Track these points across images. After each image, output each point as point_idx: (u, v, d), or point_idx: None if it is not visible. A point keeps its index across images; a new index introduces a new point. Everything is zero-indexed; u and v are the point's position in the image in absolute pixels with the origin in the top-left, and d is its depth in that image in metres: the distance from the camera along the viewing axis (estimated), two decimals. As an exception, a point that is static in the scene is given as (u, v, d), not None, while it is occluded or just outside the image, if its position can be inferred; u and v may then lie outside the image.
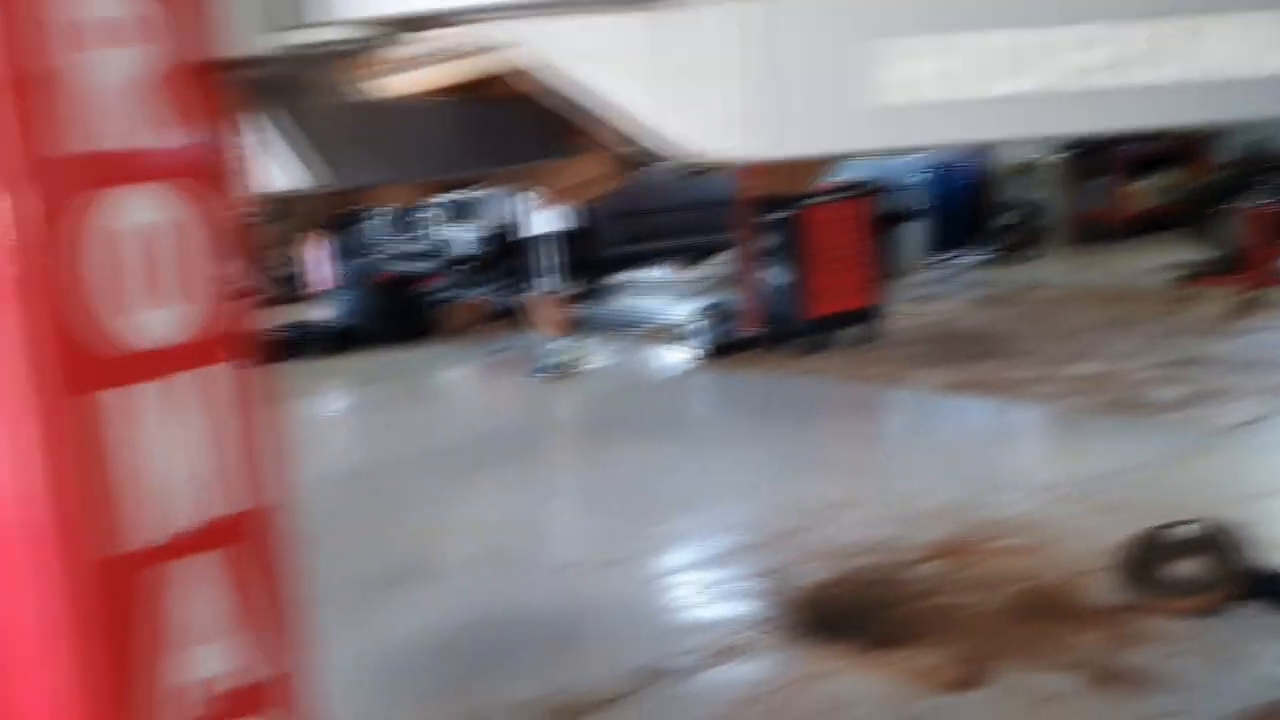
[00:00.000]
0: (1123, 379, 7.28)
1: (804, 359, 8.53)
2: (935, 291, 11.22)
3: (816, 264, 8.52)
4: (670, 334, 9.51)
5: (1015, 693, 3.51)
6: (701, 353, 8.86)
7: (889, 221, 10.00)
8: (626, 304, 10.35)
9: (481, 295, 9.45)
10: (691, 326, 8.99)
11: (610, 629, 4.25)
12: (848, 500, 5.33)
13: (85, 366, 1.05)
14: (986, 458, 6.13)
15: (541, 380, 8.65)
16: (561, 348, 8.89)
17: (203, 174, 1.13)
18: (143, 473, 1.09)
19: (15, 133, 1.01)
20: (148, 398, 1.09)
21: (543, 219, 8.65)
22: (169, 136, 1.11)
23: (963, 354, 8.29)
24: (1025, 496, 5.19)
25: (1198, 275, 10.32)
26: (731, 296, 9.37)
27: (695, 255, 10.24)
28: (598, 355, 9.35)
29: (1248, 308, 8.95)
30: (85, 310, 1.04)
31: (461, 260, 9.00)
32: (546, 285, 8.86)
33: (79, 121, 1.06)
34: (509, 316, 9.59)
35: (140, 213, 1.07)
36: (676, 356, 9.15)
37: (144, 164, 1.08)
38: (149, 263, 1.10)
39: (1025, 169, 13.30)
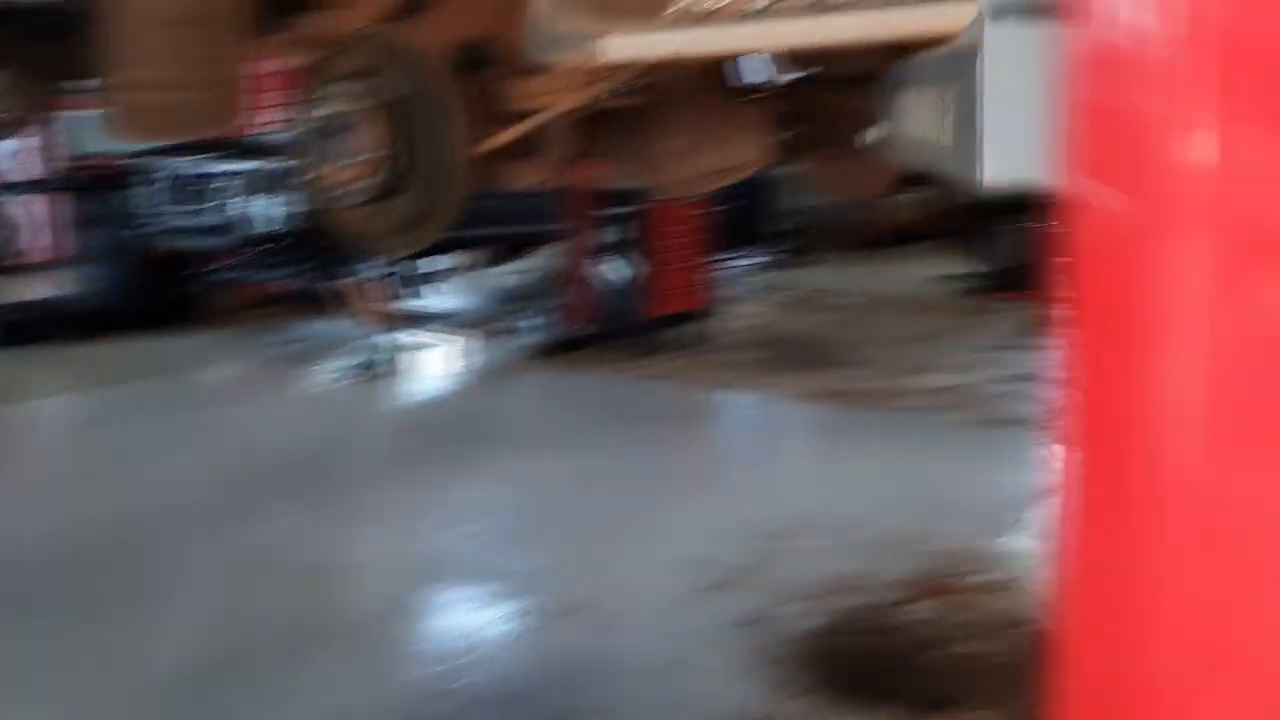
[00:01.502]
0: (976, 393, 7.23)
1: (642, 360, 8.02)
2: (734, 293, 11.01)
3: (661, 261, 8.04)
4: (491, 329, 8.75)
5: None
6: (528, 351, 8.17)
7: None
8: (442, 295, 9.46)
9: (279, 278, 8.27)
10: (517, 323, 8.28)
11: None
12: (788, 529, 4.89)
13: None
14: (904, 478, 5.75)
15: (350, 381, 7.69)
16: (377, 342, 7.95)
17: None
18: None
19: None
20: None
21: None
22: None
23: (801, 361, 8.06)
24: (970, 522, 4.91)
25: (980, 288, 10.64)
26: (556, 292, 8.73)
27: (516, 247, 9.50)
28: (415, 351, 8.43)
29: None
30: None
31: (264, 238, 7.82)
32: (366, 271, 7.86)
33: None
34: (310, 303, 8.47)
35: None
36: (500, 354, 8.41)
37: None
38: None
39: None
